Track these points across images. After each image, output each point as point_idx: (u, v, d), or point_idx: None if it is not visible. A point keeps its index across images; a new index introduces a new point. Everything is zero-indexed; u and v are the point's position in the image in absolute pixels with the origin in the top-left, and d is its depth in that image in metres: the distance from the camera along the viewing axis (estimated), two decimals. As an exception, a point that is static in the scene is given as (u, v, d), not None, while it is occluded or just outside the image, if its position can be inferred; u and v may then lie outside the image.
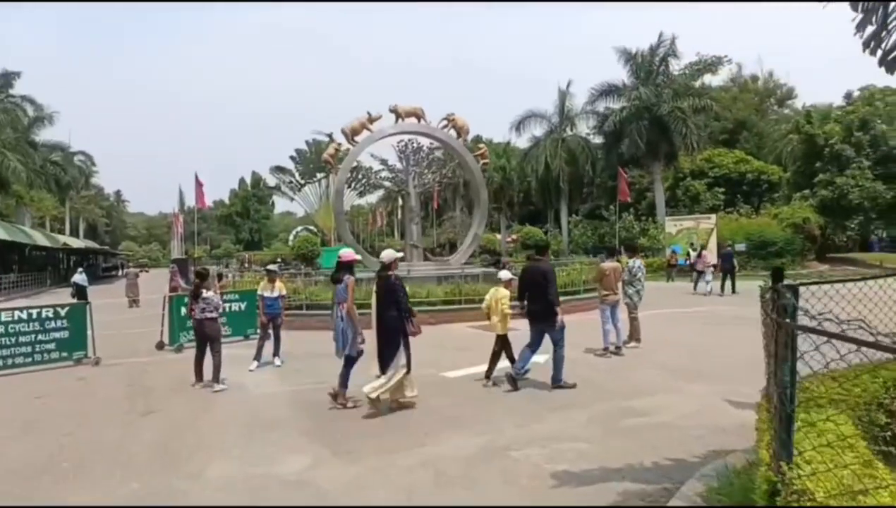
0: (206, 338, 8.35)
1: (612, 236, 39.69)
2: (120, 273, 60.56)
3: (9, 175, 33.16)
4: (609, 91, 40.66)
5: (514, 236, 46.62)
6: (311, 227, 52.30)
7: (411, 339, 6.79)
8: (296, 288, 14.66)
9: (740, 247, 30.26)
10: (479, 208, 20.04)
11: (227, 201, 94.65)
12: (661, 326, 12.86)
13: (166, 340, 11.91)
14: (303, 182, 44.08)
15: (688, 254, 26.51)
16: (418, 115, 19.46)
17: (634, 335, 10.45)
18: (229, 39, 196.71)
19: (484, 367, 8.07)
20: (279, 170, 45.97)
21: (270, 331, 9.80)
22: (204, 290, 8.32)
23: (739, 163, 40.81)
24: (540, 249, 8.45)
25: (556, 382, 7.58)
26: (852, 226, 35.74)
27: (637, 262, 10.39)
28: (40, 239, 41.32)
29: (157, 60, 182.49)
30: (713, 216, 32.40)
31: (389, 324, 6.60)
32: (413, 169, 19.80)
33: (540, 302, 7.57)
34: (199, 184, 33.51)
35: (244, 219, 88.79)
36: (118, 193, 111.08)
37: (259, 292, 9.89)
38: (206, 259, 70.17)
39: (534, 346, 7.71)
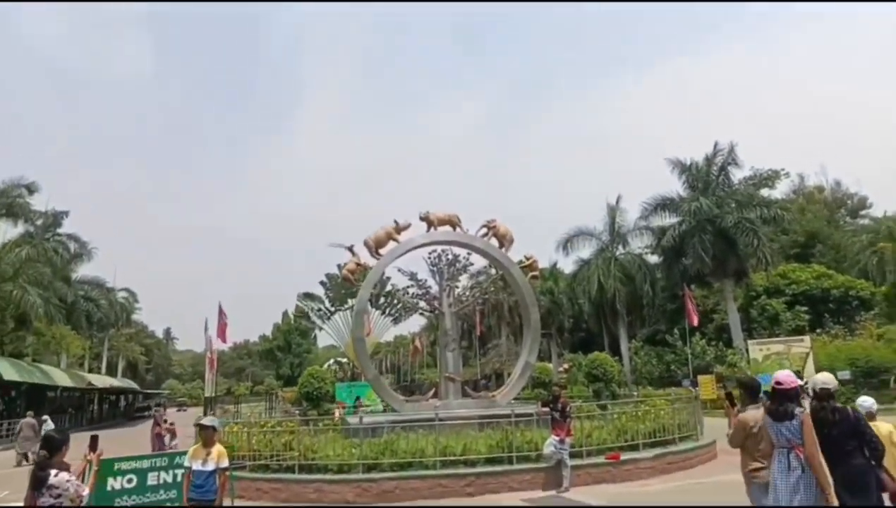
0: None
1: (680, 364, 35.06)
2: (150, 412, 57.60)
3: (27, 309, 31.34)
4: (663, 204, 37.56)
5: (566, 365, 41.97)
6: (343, 359, 48.72)
7: None
8: (287, 442, 10.84)
9: (844, 374, 25.33)
10: (529, 331, 16.34)
11: (270, 335, 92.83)
12: None
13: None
14: (332, 309, 41.45)
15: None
16: (454, 223, 16.69)
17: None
18: (289, 168, 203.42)
19: None
20: (308, 296, 43.69)
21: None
22: (52, 472, 4.72)
23: (821, 278, 36.35)
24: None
25: None
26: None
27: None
28: (61, 378, 38.96)
29: (220, 201, 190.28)
30: (806, 338, 27.57)
31: (855, 472, 5.14)
32: (447, 284, 16.50)
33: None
34: (222, 317, 31.00)
35: (285, 353, 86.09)
36: (168, 331, 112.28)
37: (186, 462, 6.23)
38: (248, 396, 66.61)
39: None
